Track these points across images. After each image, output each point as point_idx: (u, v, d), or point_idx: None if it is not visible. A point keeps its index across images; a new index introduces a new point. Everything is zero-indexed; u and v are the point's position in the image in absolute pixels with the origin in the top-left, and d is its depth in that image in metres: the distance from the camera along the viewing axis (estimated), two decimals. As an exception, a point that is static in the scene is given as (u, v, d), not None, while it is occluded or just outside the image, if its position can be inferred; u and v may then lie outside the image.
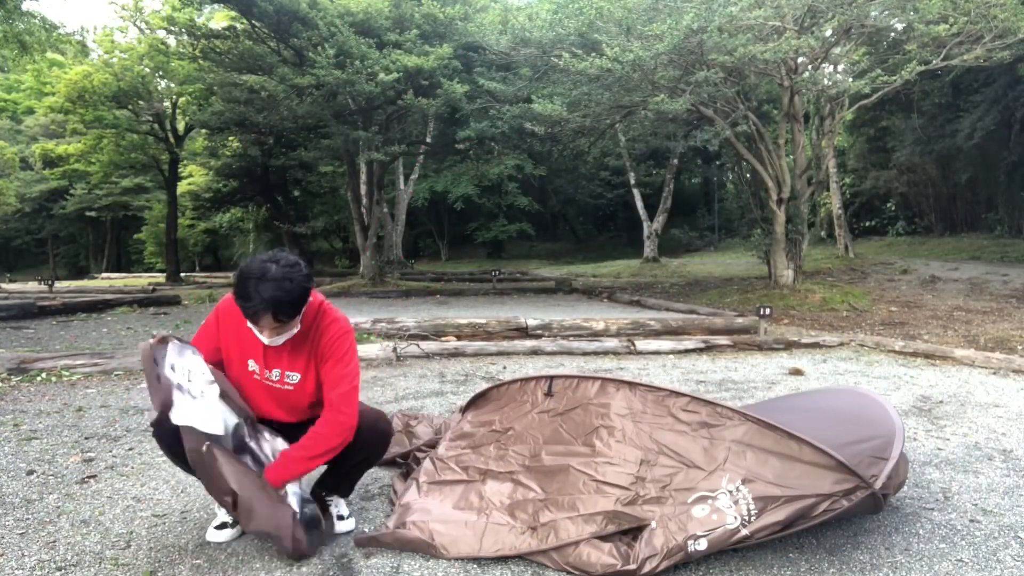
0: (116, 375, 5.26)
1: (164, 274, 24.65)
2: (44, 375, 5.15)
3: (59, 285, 18.67)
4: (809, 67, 11.49)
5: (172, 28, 15.67)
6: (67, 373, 5.23)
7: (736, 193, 22.12)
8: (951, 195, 21.82)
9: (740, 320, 7.74)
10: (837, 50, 11.13)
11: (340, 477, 2.37)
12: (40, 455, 3.24)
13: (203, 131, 22.06)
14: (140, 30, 19.46)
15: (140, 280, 24.97)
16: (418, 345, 6.21)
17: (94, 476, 2.93)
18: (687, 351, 6.48)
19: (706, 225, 29.62)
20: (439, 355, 6.18)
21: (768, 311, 7.11)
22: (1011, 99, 16.41)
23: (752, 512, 1.97)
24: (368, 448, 2.30)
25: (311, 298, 2.21)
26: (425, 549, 2.15)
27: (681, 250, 28.10)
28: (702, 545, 1.95)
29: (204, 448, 2.08)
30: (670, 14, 9.69)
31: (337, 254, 33.12)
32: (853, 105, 12.51)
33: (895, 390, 4.74)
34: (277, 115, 14.84)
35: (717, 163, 25.08)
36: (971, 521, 2.43)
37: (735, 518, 1.97)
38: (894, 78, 10.00)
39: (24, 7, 13.98)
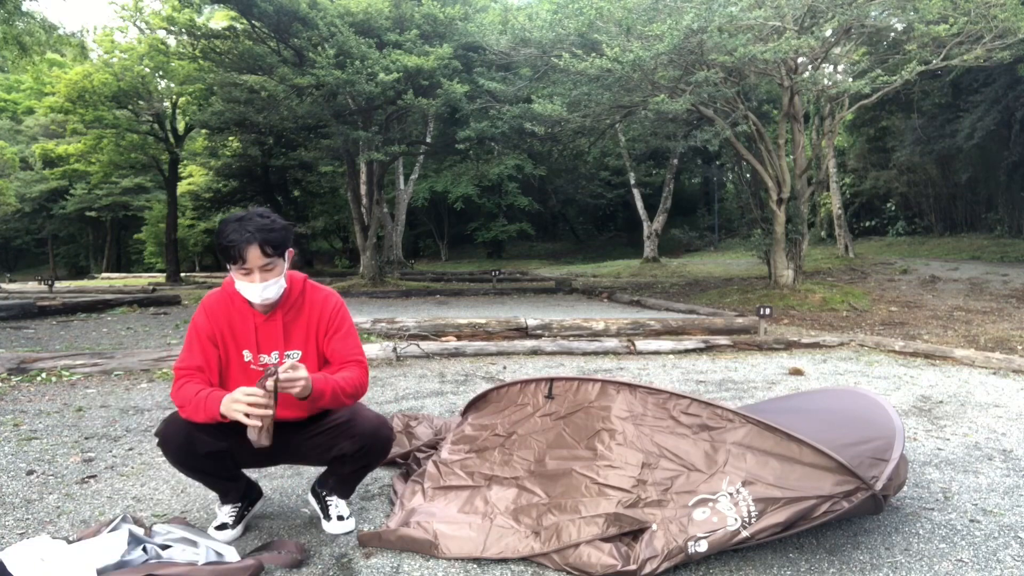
0: (116, 375, 5.26)
1: (164, 274, 24.66)
2: (44, 375, 5.15)
3: (59, 285, 18.65)
4: (809, 67, 11.48)
5: (172, 28, 15.66)
6: (67, 373, 5.23)
7: (736, 193, 22.15)
8: (951, 195, 21.82)
9: (740, 320, 7.73)
10: (837, 50, 11.13)
11: (341, 479, 2.37)
12: (40, 455, 3.24)
13: (203, 131, 22.09)
14: (140, 30, 19.47)
15: (140, 280, 24.96)
16: (418, 345, 6.21)
17: (94, 476, 2.93)
18: (687, 351, 6.48)
19: (706, 225, 29.62)
20: (439, 355, 6.18)
21: (768, 311, 7.11)
22: (1011, 99, 16.40)
23: (753, 514, 1.97)
24: (370, 455, 2.30)
25: (296, 276, 2.29)
26: (428, 549, 2.14)
27: (681, 250, 28.12)
28: (703, 546, 1.95)
29: None
30: (670, 14, 9.69)
31: (337, 254, 33.16)
32: (853, 105, 12.50)
33: (895, 390, 4.74)
34: (277, 115, 14.85)
35: (717, 163, 25.06)
36: (971, 521, 2.43)
37: (736, 520, 1.97)
38: (894, 78, 10.00)
39: (24, 7, 13.97)
